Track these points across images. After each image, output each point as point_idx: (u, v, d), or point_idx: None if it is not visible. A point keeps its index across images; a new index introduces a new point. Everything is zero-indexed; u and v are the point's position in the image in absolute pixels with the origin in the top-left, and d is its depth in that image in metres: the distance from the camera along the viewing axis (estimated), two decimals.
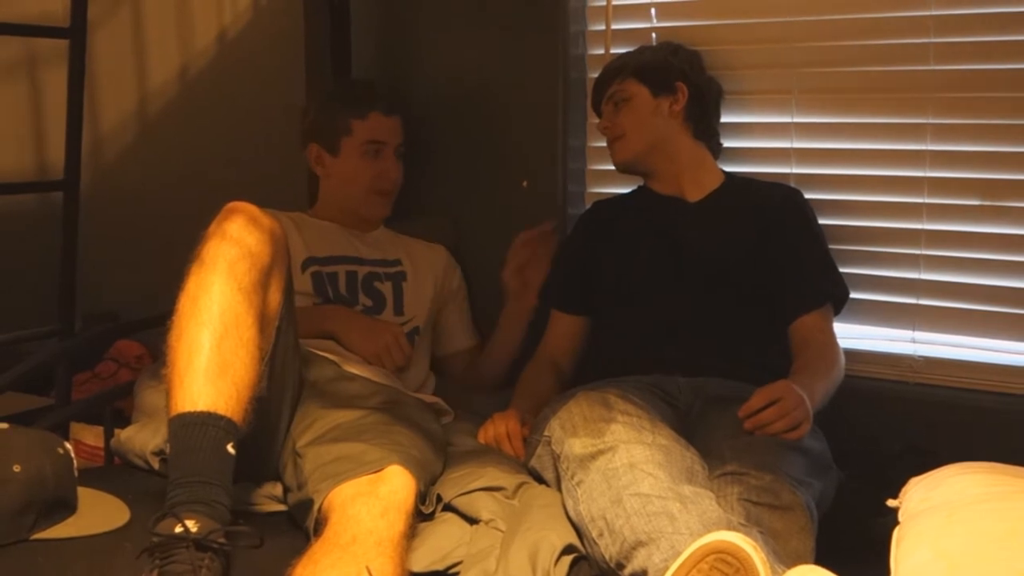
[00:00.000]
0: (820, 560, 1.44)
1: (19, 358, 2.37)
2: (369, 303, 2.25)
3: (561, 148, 2.44)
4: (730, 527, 1.45)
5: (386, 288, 2.29)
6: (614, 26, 2.40)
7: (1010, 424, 2.01)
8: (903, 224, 2.15)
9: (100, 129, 3.11)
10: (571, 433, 1.69)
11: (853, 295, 2.12)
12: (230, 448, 1.48)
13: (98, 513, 1.67)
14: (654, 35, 2.36)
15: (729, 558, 1.31)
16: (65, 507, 1.64)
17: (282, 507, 1.76)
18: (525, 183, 2.47)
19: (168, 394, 1.52)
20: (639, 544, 1.45)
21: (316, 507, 1.57)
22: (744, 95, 2.29)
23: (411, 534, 1.54)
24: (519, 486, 1.75)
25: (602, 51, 2.42)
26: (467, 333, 2.46)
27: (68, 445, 1.69)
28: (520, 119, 2.48)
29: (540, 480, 1.81)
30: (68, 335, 2.78)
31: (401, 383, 2.11)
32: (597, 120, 2.28)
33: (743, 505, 1.57)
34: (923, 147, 2.12)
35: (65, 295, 2.77)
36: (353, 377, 2.00)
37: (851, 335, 2.18)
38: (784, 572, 1.37)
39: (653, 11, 2.37)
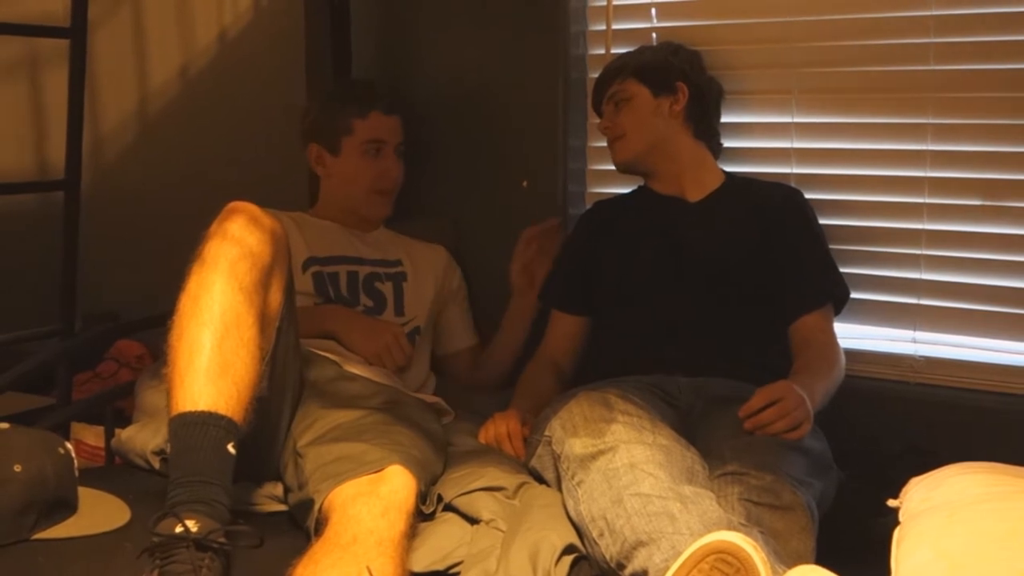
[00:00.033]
0: (821, 560, 1.44)
1: (20, 358, 2.37)
2: (370, 303, 2.25)
3: (561, 148, 2.44)
4: (731, 527, 1.45)
5: (387, 288, 2.29)
6: (615, 26, 2.40)
7: (1011, 424, 2.01)
8: (904, 224, 2.15)
9: (101, 129, 3.12)
10: (572, 433, 1.69)
11: (854, 295, 2.12)
12: (230, 448, 1.48)
13: (99, 513, 1.67)
14: (654, 35, 2.36)
15: (730, 558, 1.31)
16: (66, 507, 1.64)
17: (283, 507, 1.76)
18: (525, 183, 2.47)
19: (169, 393, 1.52)
20: (640, 544, 1.45)
21: (317, 507, 1.57)
22: (744, 95, 2.29)
23: (412, 534, 1.54)
24: (520, 486, 1.75)
25: (603, 51, 2.42)
26: (468, 332, 2.46)
27: (69, 445, 1.69)
28: (520, 119, 2.48)
29: (541, 480, 1.81)
30: (69, 335, 2.78)
31: (402, 383, 2.11)
32: (597, 120, 2.28)
33: (744, 505, 1.57)
34: (923, 147, 2.12)
35: (66, 295, 2.77)
36: (354, 377, 2.00)
37: (852, 335, 2.18)
38: (785, 572, 1.37)
39: (653, 11, 2.37)
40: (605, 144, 2.26)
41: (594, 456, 1.62)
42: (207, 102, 2.94)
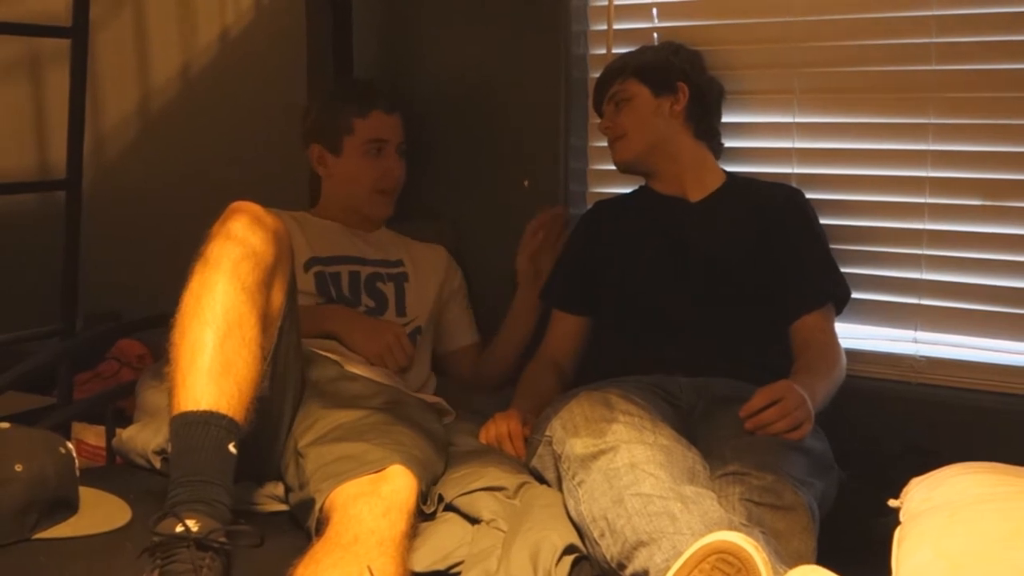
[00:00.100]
0: (821, 560, 1.44)
1: (21, 357, 2.37)
2: (371, 304, 2.25)
3: (563, 148, 2.45)
4: (732, 527, 1.45)
5: (388, 289, 2.29)
6: (616, 26, 2.40)
7: (1011, 424, 2.01)
8: (905, 224, 2.15)
9: (102, 128, 3.12)
10: (572, 433, 1.69)
11: (855, 295, 2.12)
12: (232, 448, 1.48)
13: (99, 513, 1.67)
14: (656, 35, 2.36)
15: (731, 558, 1.31)
16: (67, 507, 1.64)
17: (283, 507, 1.76)
18: (527, 183, 2.47)
19: (170, 393, 1.52)
20: (640, 544, 1.45)
21: (318, 507, 1.57)
22: (745, 95, 2.29)
23: (413, 534, 1.54)
24: (520, 486, 1.75)
25: (604, 51, 2.42)
26: (469, 330, 2.46)
27: (70, 445, 1.69)
28: (521, 118, 2.48)
29: (541, 480, 1.81)
30: (70, 334, 2.78)
31: (403, 383, 2.11)
32: (598, 120, 2.28)
33: (745, 505, 1.57)
34: (925, 147, 2.12)
35: (67, 294, 2.77)
36: (355, 377, 2.00)
37: (853, 335, 2.18)
38: (786, 572, 1.37)
39: (655, 11, 2.37)
40: (606, 144, 2.25)
41: (595, 456, 1.62)
42: (208, 101, 2.94)
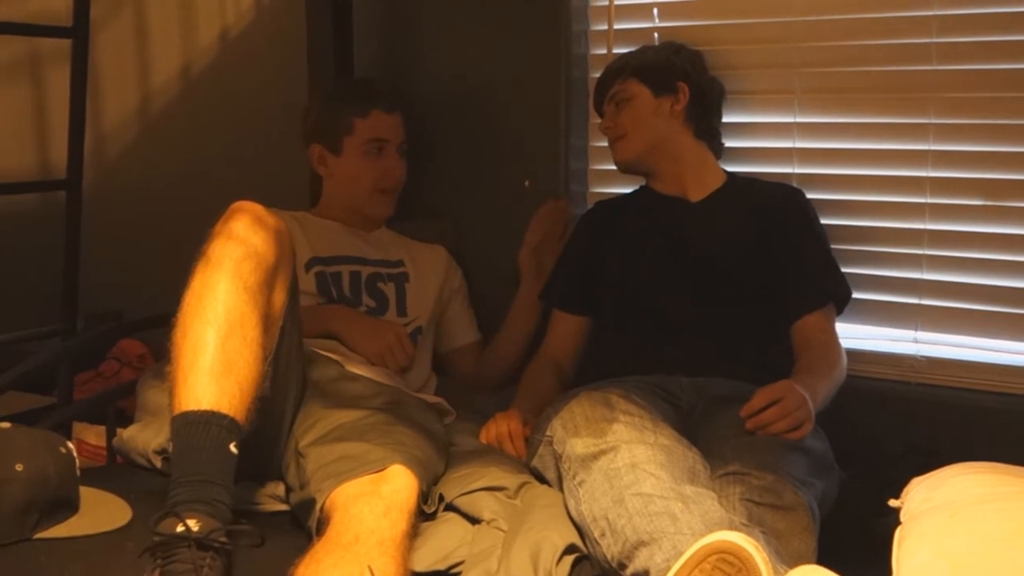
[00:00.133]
0: (822, 560, 1.44)
1: (21, 357, 2.37)
2: (372, 304, 2.25)
3: (563, 148, 2.45)
4: (732, 527, 1.45)
5: (389, 289, 2.29)
6: (616, 26, 2.41)
7: (1012, 424, 2.01)
8: (905, 224, 2.15)
9: (103, 128, 3.12)
10: (573, 433, 1.69)
11: (855, 295, 2.12)
12: (233, 447, 1.48)
13: (100, 512, 1.67)
14: (656, 35, 2.36)
15: (731, 558, 1.31)
16: (67, 506, 1.64)
17: (284, 506, 1.76)
18: (528, 183, 2.47)
19: (171, 392, 1.52)
20: (641, 544, 1.45)
21: (318, 506, 1.57)
22: (746, 95, 2.29)
23: (413, 534, 1.54)
24: (521, 486, 1.75)
25: (604, 51, 2.42)
26: (470, 328, 2.45)
27: (70, 444, 1.69)
28: (522, 118, 2.48)
29: (542, 480, 1.81)
30: (70, 334, 2.79)
31: (403, 383, 2.11)
32: (599, 120, 2.28)
33: (745, 505, 1.57)
34: (926, 147, 2.12)
35: (68, 294, 2.78)
36: (356, 377, 2.00)
37: (853, 335, 2.18)
38: (786, 572, 1.37)
39: (655, 11, 2.37)
40: (607, 144, 2.25)
41: (596, 456, 1.62)
42: (209, 101, 2.94)
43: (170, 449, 1.52)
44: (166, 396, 1.56)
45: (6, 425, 1.67)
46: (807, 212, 2.14)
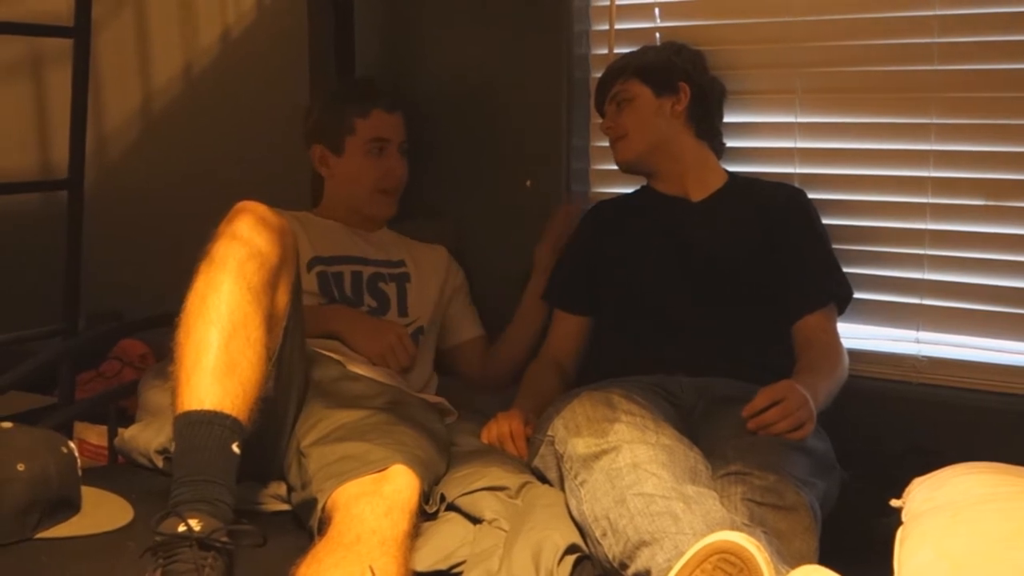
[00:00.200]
0: (823, 560, 1.44)
1: (23, 357, 2.37)
2: (374, 304, 2.25)
3: (565, 148, 2.45)
4: (734, 527, 1.45)
5: (390, 289, 2.29)
6: (618, 26, 2.41)
7: (1014, 424, 2.01)
8: (907, 224, 2.15)
9: (104, 128, 3.12)
10: (574, 433, 1.69)
11: (857, 295, 2.12)
12: (235, 448, 1.48)
13: (101, 512, 1.67)
14: (658, 35, 2.36)
15: (733, 558, 1.31)
16: (69, 506, 1.64)
17: (286, 506, 1.76)
18: (529, 183, 2.47)
19: (174, 392, 1.52)
20: (642, 544, 1.45)
21: (320, 506, 1.57)
22: (747, 95, 2.29)
23: (415, 533, 1.54)
24: (522, 486, 1.75)
25: (606, 51, 2.42)
26: (474, 323, 2.45)
27: (72, 444, 1.69)
28: (523, 118, 2.48)
29: (543, 480, 1.81)
30: (72, 334, 2.78)
31: (405, 383, 2.11)
32: (600, 120, 2.28)
33: (747, 505, 1.56)
34: (927, 147, 2.12)
35: (69, 294, 2.78)
36: (357, 377, 2.00)
37: (855, 335, 2.18)
38: (788, 572, 1.37)
39: (657, 11, 2.37)
40: (608, 144, 2.25)
41: (597, 456, 1.62)
42: (210, 101, 2.94)
43: (172, 449, 1.52)
44: (167, 396, 1.56)
45: (7, 425, 1.67)
46: (809, 212, 2.14)
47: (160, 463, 1.88)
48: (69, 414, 2.46)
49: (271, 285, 1.64)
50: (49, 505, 1.60)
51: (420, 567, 1.53)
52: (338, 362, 2.02)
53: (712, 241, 2.13)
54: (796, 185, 2.20)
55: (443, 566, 1.56)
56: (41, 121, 3.25)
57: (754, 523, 1.52)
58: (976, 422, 2.06)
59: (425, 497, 1.65)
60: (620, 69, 2.22)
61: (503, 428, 1.98)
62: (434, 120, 2.54)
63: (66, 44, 2.73)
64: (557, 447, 1.74)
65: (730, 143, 2.28)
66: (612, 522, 1.51)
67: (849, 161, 2.20)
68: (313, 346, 1.99)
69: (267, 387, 1.60)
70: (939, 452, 1.70)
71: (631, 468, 1.56)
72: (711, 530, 1.40)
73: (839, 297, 2.10)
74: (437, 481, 1.75)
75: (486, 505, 1.66)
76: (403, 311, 2.28)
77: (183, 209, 2.73)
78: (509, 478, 1.76)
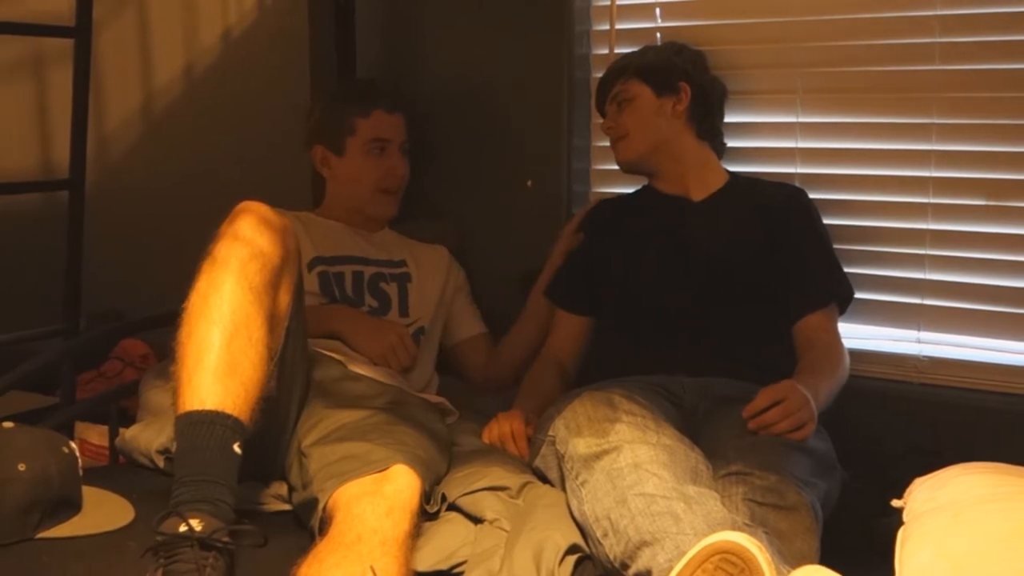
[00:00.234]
0: (824, 560, 1.44)
1: (24, 357, 2.37)
2: (375, 304, 2.25)
3: (565, 148, 2.45)
4: (735, 527, 1.45)
5: (391, 289, 2.29)
6: (618, 26, 2.41)
7: (1015, 424, 2.01)
8: (908, 224, 2.15)
9: (105, 128, 3.12)
10: (575, 433, 1.69)
11: (858, 295, 2.12)
12: (236, 448, 1.48)
13: (103, 512, 1.67)
14: (658, 35, 2.36)
15: (734, 558, 1.31)
16: (70, 506, 1.64)
17: (287, 506, 1.76)
18: (530, 183, 2.47)
19: (176, 392, 1.52)
20: (643, 544, 1.45)
21: (321, 506, 1.57)
22: (748, 95, 2.29)
23: (416, 533, 1.54)
24: (523, 486, 1.75)
25: (606, 51, 2.42)
26: (477, 321, 2.44)
27: (73, 444, 1.70)
28: (524, 118, 2.48)
29: (544, 480, 1.81)
30: (73, 334, 2.79)
31: (406, 383, 2.11)
32: (601, 120, 2.28)
33: (748, 505, 1.56)
34: (928, 147, 2.12)
35: (70, 294, 2.78)
36: (359, 377, 2.00)
37: (856, 335, 2.18)
38: (789, 572, 1.37)
39: (657, 11, 2.37)
40: (609, 144, 2.25)
41: (598, 456, 1.62)
42: (211, 101, 2.94)
43: (173, 449, 1.52)
44: (168, 396, 1.56)
45: (9, 425, 1.67)
46: (810, 212, 2.14)
47: (161, 463, 1.88)
48: (70, 414, 2.46)
49: (273, 285, 1.64)
50: (50, 505, 1.60)
51: (421, 567, 1.53)
52: (339, 362, 2.02)
53: (713, 241, 2.13)
54: (797, 185, 2.20)
55: (444, 566, 1.56)
56: (42, 121, 3.25)
57: (755, 523, 1.52)
58: (977, 422, 2.06)
59: (426, 497, 1.65)
60: (621, 69, 2.22)
61: (504, 428, 1.98)
62: (435, 120, 2.54)
63: (67, 44, 2.73)
64: (558, 447, 1.74)
65: (731, 143, 2.27)
66: (613, 522, 1.51)
67: (850, 161, 2.20)
68: (314, 346, 1.99)
69: (269, 387, 1.60)
70: (940, 452, 1.70)
71: (632, 468, 1.56)
72: (712, 530, 1.39)
73: (840, 297, 2.10)
74: (438, 481, 1.75)
75: (487, 505, 1.66)
76: (404, 311, 2.28)
77: (184, 209, 2.73)
78: (510, 478, 1.76)
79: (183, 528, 1.38)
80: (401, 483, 1.56)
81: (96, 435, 2.52)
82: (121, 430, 2.03)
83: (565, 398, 1.82)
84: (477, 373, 2.40)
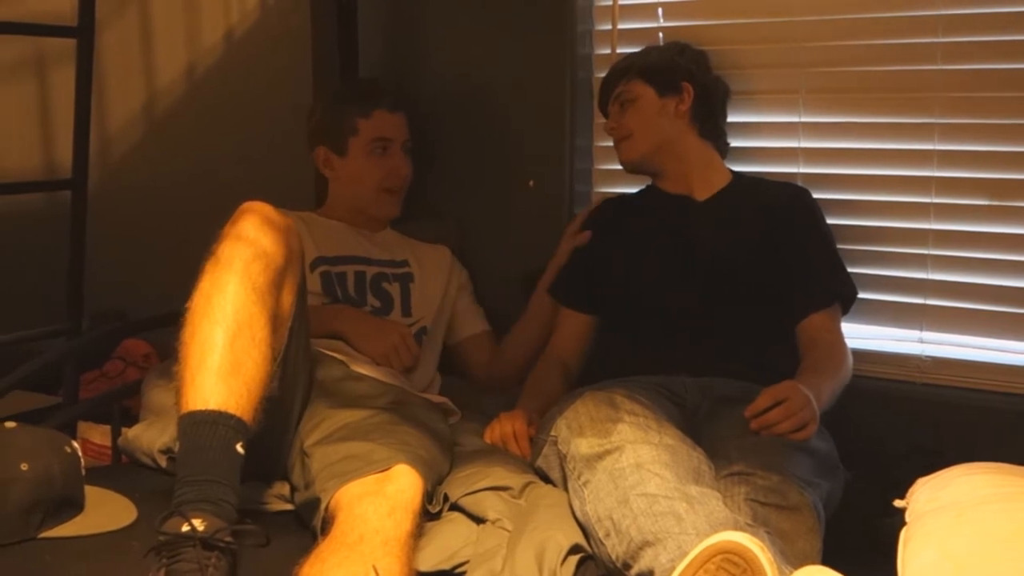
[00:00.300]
0: (827, 560, 1.44)
1: (27, 357, 2.37)
2: (377, 304, 2.26)
3: (568, 148, 2.44)
4: (737, 527, 1.45)
5: (394, 289, 2.29)
6: (620, 25, 2.40)
7: (1017, 424, 2.01)
8: (911, 224, 2.15)
9: (108, 128, 3.12)
10: (578, 433, 1.69)
11: (861, 295, 2.12)
12: (239, 448, 1.48)
13: (105, 512, 1.67)
14: (661, 35, 2.36)
15: (736, 558, 1.31)
16: (72, 506, 1.64)
17: (289, 506, 1.76)
18: (532, 183, 2.47)
19: (179, 391, 1.52)
20: (646, 544, 1.45)
21: (323, 506, 1.57)
22: (751, 95, 2.29)
23: (418, 533, 1.54)
24: (525, 486, 1.75)
25: (608, 51, 2.42)
26: (479, 319, 2.44)
27: (75, 444, 1.70)
28: (527, 118, 2.48)
29: (546, 480, 1.81)
30: (76, 334, 2.78)
31: (408, 383, 2.11)
32: (603, 120, 2.28)
33: (750, 505, 1.56)
34: (931, 147, 2.12)
35: (73, 294, 2.78)
36: (361, 377, 2.00)
37: (858, 335, 2.17)
38: (791, 572, 1.37)
39: (660, 11, 2.37)
40: (611, 144, 2.26)
41: (600, 456, 1.62)
42: (214, 101, 2.94)
43: (176, 448, 1.52)
44: (171, 395, 1.57)
45: (11, 424, 1.67)
46: (813, 211, 2.14)
47: (163, 463, 1.88)
48: (73, 414, 2.46)
49: (276, 285, 1.64)
50: (53, 505, 1.60)
51: (423, 567, 1.53)
52: (342, 362, 2.02)
53: (716, 240, 2.12)
54: (800, 184, 2.20)
55: (446, 566, 1.56)
56: (45, 121, 3.25)
57: (757, 523, 1.52)
58: (980, 422, 2.05)
59: (428, 497, 1.65)
60: (623, 69, 2.22)
61: (506, 428, 1.98)
62: (437, 120, 2.54)
63: (70, 44, 2.73)
64: (560, 447, 1.74)
65: (733, 143, 2.27)
66: (615, 522, 1.51)
67: (853, 161, 2.20)
68: (317, 346, 1.99)
69: (271, 387, 1.61)
70: (942, 452, 1.70)
71: (634, 468, 1.56)
72: (714, 530, 1.39)
73: (843, 297, 2.10)
74: (440, 481, 1.75)
75: (489, 505, 1.66)
76: (407, 311, 2.28)
77: (187, 209, 2.74)
78: (512, 478, 1.76)
79: (186, 528, 1.38)
80: (403, 483, 1.56)
81: (99, 435, 2.52)
82: (124, 430, 2.03)
83: (567, 398, 1.82)
84: (480, 371, 2.40)
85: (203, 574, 1.35)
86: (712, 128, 2.22)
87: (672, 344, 2.05)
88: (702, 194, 2.19)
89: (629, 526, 1.48)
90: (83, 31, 2.70)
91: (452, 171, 2.57)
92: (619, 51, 2.38)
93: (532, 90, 2.46)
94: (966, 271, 2.11)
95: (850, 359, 2.02)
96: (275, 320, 1.64)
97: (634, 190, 2.31)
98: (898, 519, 1.54)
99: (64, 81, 2.93)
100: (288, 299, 1.70)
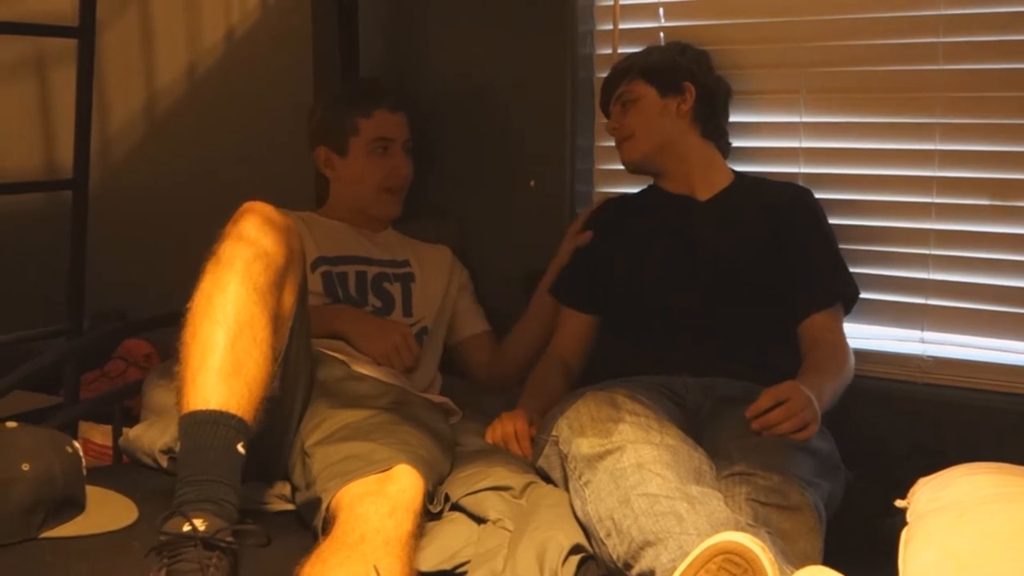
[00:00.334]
0: (828, 561, 1.44)
1: (27, 357, 2.37)
2: (378, 304, 2.25)
3: (569, 148, 2.44)
4: (738, 527, 1.45)
5: (395, 289, 2.29)
6: (622, 25, 2.40)
7: (1019, 424, 2.01)
8: (912, 224, 2.15)
9: (109, 128, 3.12)
10: (579, 433, 1.69)
11: (862, 295, 2.12)
12: (240, 448, 1.48)
13: (106, 512, 1.67)
14: (662, 35, 2.36)
15: (737, 558, 1.31)
16: (73, 506, 1.64)
17: (290, 506, 1.76)
18: (533, 183, 2.47)
19: (180, 391, 1.52)
20: (647, 544, 1.45)
21: (324, 506, 1.57)
22: (752, 95, 2.28)
23: (419, 533, 1.54)
24: (527, 486, 1.75)
25: (610, 51, 2.41)
26: (480, 318, 2.44)
27: (76, 444, 1.70)
28: (528, 118, 2.48)
29: (548, 480, 1.81)
30: (76, 334, 2.78)
31: (409, 383, 2.11)
32: (605, 120, 2.28)
33: (751, 505, 1.56)
34: (932, 147, 2.12)
35: (73, 294, 2.78)
36: (362, 377, 2.00)
37: (860, 335, 2.17)
38: (792, 573, 1.37)
39: (661, 11, 2.37)
40: (612, 144, 2.26)
41: (601, 456, 1.62)
42: (215, 101, 2.94)
43: (176, 448, 1.52)
44: (172, 395, 1.56)
45: (12, 424, 1.67)
46: (815, 211, 2.14)
47: (164, 463, 1.88)
48: (74, 414, 2.46)
49: (277, 285, 1.64)
50: (54, 505, 1.60)
51: (424, 567, 1.53)
52: (342, 362, 2.02)
53: (718, 240, 2.12)
54: (802, 184, 2.20)
55: (447, 566, 1.56)
56: (45, 121, 3.25)
57: (758, 523, 1.52)
58: (981, 422, 2.05)
59: (429, 497, 1.65)
60: (625, 69, 2.22)
61: (507, 428, 1.98)
62: (438, 120, 2.54)
63: (70, 44, 2.73)
64: (561, 447, 1.74)
65: (735, 143, 2.27)
66: (616, 522, 1.51)
67: (854, 161, 2.20)
68: (318, 346, 1.99)
69: (272, 387, 1.61)
70: (944, 452, 1.70)
71: (635, 468, 1.56)
72: (715, 530, 1.39)
73: (845, 297, 2.10)
74: (441, 481, 1.75)
75: (490, 505, 1.66)
76: (407, 311, 2.28)
77: (188, 209, 2.74)
78: (513, 478, 1.76)
79: (187, 528, 1.38)
80: (404, 483, 1.56)
81: (100, 435, 2.52)
82: (125, 430, 2.03)
83: (568, 398, 1.82)
84: (481, 371, 2.40)
85: (204, 574, 1.35)
86: (714, 128, 2.22)
87: (674, 344, 2.05)
88: (704, 194, 2.18)
89: (630, 526, 1.48)
90: (84, 31, 2.70)
91: (453, 171, 2.57)
92: (620, 51, 2.38)
93: (533, 90, 2.46)
94: (968, 271, 2.10)
95: (852, 359, 2.01)
96: (276, 320, 1.64)
97: (636, 190, 2.32)
98: (899, 519, 1.54)
99: (65, 81, 2.93)
100: (289, 299, 1.70)
